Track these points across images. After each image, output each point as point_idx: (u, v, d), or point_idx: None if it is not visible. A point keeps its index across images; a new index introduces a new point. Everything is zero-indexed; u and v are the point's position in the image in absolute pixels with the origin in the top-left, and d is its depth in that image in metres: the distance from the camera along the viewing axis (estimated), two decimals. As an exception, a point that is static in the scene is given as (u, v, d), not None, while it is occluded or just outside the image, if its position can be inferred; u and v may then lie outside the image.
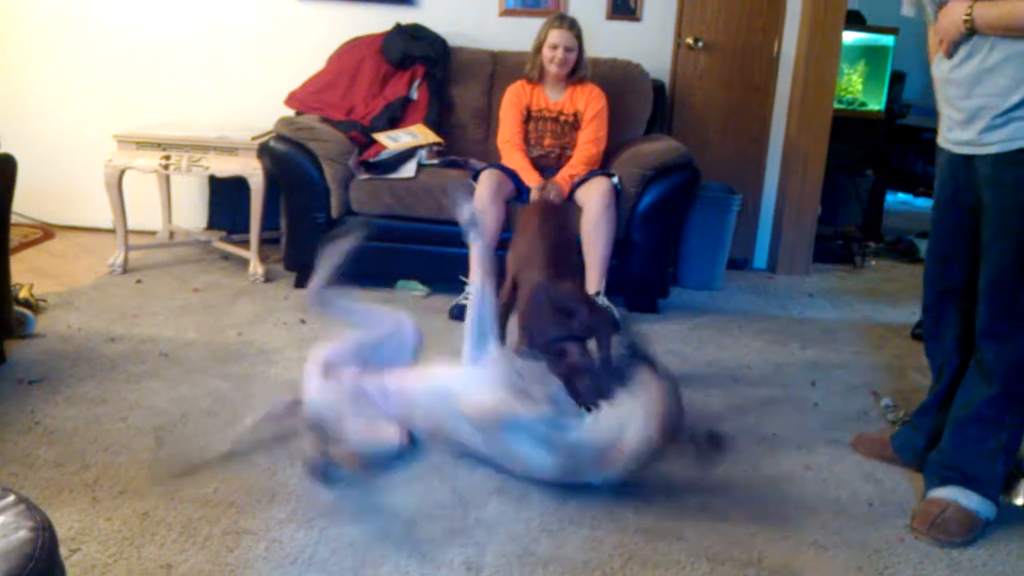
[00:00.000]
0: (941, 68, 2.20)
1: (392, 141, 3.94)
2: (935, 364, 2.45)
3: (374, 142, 3.96)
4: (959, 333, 2.33)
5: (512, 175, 3.76)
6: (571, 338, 2.39)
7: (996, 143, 2.07)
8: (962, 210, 2.24)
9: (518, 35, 4.28)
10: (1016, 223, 2.07)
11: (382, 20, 4.36)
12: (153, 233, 4.50)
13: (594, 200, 3.57)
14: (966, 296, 2.27)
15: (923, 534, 2.14)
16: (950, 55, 2.14)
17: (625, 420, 2.15)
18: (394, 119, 4.11)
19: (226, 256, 4.28)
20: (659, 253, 3.77)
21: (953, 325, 2.34)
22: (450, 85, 4.31)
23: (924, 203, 6.98)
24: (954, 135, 2.20)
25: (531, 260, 2.72)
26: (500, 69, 4.29)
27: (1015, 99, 2.00)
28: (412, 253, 3.82)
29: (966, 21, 2.04)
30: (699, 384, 3.05)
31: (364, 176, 3.80)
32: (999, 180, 2.08)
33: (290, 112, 4.15)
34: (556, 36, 3.80)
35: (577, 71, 3.89)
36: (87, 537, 1.95)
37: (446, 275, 3.80)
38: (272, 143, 3.77)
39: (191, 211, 4.68)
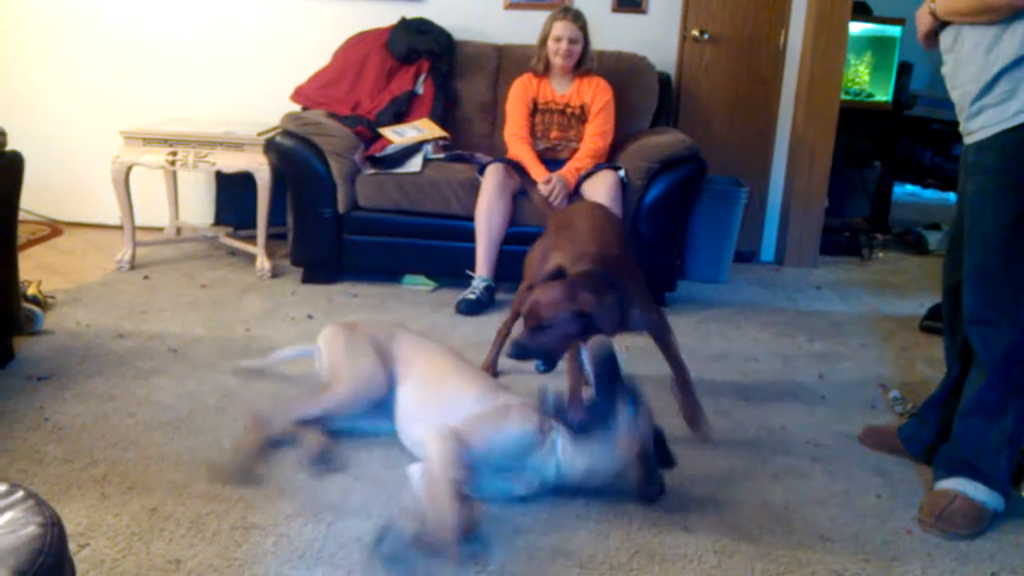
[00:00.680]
0: (948, 66, 2.23)
1: (398, 136, 3.94)
2: (948, 356, 2.45)
3: (380, 137, 3.96)
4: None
5: (519, 169, 3.76)
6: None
7: (975, 131, 2.11)
8: None
9: (523, 28, 4.28)
10: (993, 208, 2.08)
11: (387, 14, 4.36)
12: (160, 229, 4.51)
13: (600, 193, 3.57)
14: None
15: (930, 526, 2.14)
16: (925, 47, 2.25)
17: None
18: (400, 114, 4.11)
19: (233, 252, 4.28)
20: (666, 246, 3.76)
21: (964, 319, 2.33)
22: (455, 79, 4.31)
23: (932, 195, 6.96)
24: (961, 127, 2.23)
25: (608, 252, 2.48)
26: (505, 63, 4.29)
27: (981, 85, 2.04)
28: (418, 248, 3.82)
29: (931, 11, 2.14)
30: (706, 377, 3.04)
31: (370, 171, 3.80)
32: (978, 167, 2.12)
33: (296, 107, 4.16)
34: (560, 28, 3.79)
35: (583, 63, 3.88)
36: (96, 532, 1.95)
37: (453, 270, 3.80)
38: (278, 138, 3.77)
39: (198, 207, 4.69)
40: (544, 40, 3.86)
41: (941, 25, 2.16)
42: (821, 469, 2.43)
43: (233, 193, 4.57)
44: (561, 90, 3.91)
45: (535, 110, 3.92)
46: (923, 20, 2.20)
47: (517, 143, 3.85)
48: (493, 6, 4.47)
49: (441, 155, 4.02)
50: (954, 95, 2.18)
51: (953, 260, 2.35)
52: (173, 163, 3.89)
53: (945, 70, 2.19)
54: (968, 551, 2.06)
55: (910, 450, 2.48)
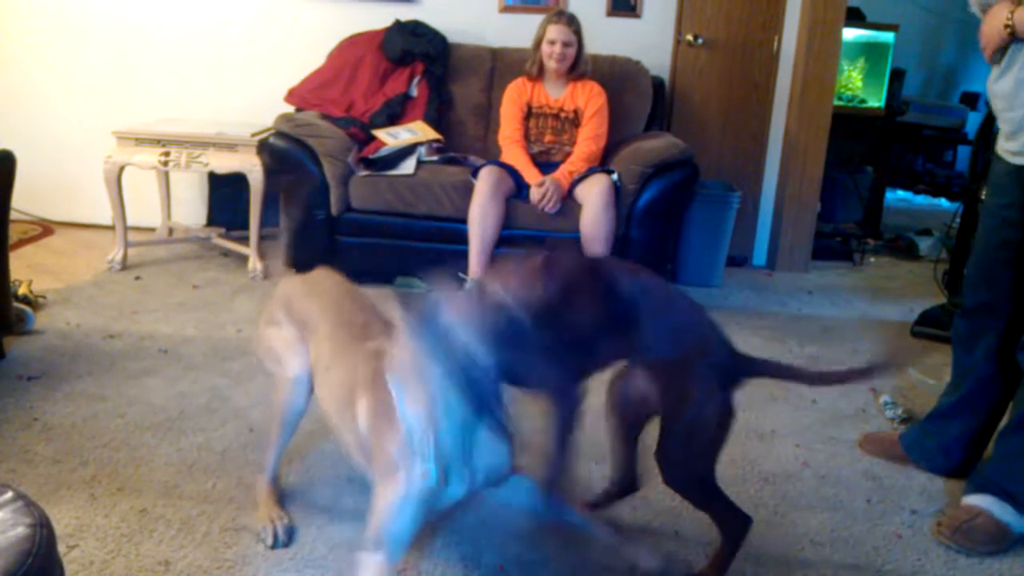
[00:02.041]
0: (989, 78, 2.18)
1: (392, 138, 3.94)
2: (959, 370, 2.42)
3: (374, 139, 3.96)
4: (994, 345, 2.30)
5: (512, 172, 3.76)
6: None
7: None
8: (1009, 225, 2.20)
9: (517, 31, 4.28)
10: None
11: (382, 17, 4.36)
12: (152, 230, 4.50)
13: (594, 197, 3.58)
14: (1006, 310, 2.25)
15: (947, 538, 2.10)
16: (992, 61, 2.13)
17: None
18: (394, 116, 4.11)
19: (225, 253, 4.28)
20: (658, 250, 3.77)
21: (988, 337, 2.30)
22: (450, 82, 4.31)
23: (923, 200, 6.99)
24: (1008, 145, 2.17)
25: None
26: (499, 65, 4.29)
27: None
28: (411, 250, 3.82)
29: (1007, 26, 2.01)
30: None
31: (364, 173, 3.80)
32: None
33: (290, 108, 4.15)
34: (554, 32, 3.80)
35: (577, 67, 3.89)
36: (85, 533, 1.95)
37: (446, 272, 3.80)
38: (272, 139, 3.77)
39: (190, 208, 4.67)
40: (538, 43, 3.87)
41: (1009, 41, 2.05)
42: (811, 473, 2.44)
43: (226, 194, 4.56)
44: (555, 94, 3.92)
45: (529, 114, 3.92)
46: (995, 35, 2.06)
47: (511, 146, 3.86)
48: (487, 9, 4.48)
49: (435, 157, 4.02)
50: (1011, 114, 2.09)
51: (982, 281, 2.30)
52: (166, 163, 3.88)
53: (998, 87, 2.11)
54: (957, 557, 2.07)
55: (911, 456, 2.47)
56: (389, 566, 1.60)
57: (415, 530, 1.64)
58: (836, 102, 4.67)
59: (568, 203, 3.69)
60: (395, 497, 1.60)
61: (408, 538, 1.64)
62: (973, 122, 5.89)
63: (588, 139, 3.84)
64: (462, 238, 3.69)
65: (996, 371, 2.31)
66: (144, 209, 4.43)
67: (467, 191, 3.69)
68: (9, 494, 1.25)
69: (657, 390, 1.76)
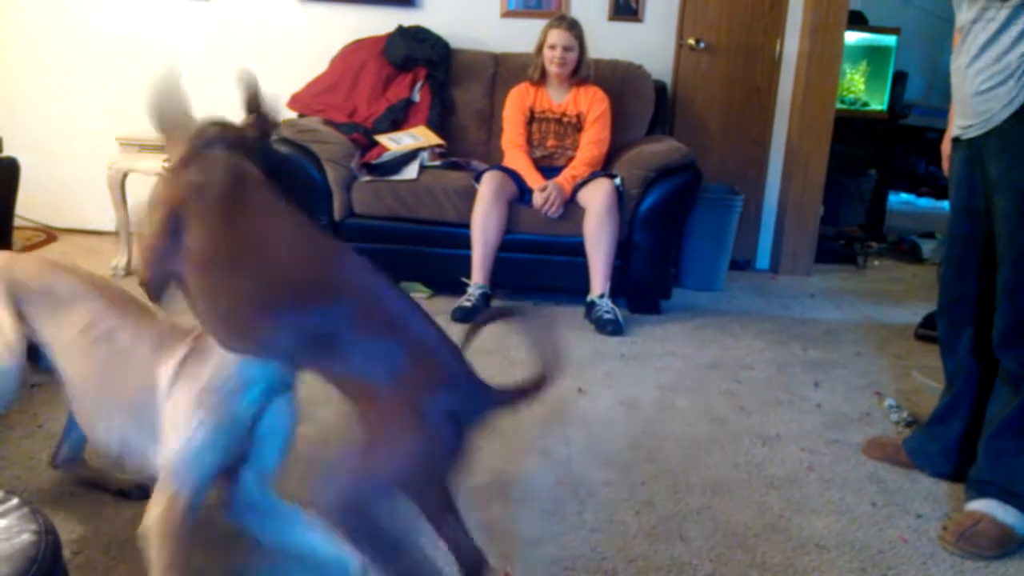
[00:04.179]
0: (959, 61, 2.16)
1: (394, 143, 3.95)
2: (948, 371, 2.41)
3: (376, 144, 3.96)
4: (973, 341, 2.29)
5: (515, 176, 3.77)
6: None
7: (1006, 103, 2.01)
8: (975, 217, 2.19)
9: (520, 37, 4.29)
10: None
11: (384, 22, 4.37)
12: (156, 236, 4.50)
13: (597, 201, 3.58)
14: (980, 304, 2.24)
15: (951, 545, 2.08)
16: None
17: None
18: (396, 121, 4.12)
19: (229, 258, 4.27)
20: (661, 254, 3.77)
21: (967, 333, 2.30)
22: (452, 87, 4.32)
23: (927, 203, 6.99)
24: (966, 121, 2.15)
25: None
26: (502, 71, 4.30)
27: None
28: (414, 255, 3.82)
29: None
30: (701, 384, 3.05)
31: (366, 178, 3.81)
32: (1010, 184, 2.01)
33: (292, 114, 4.16)
34: (555, 36, 3.81)
35: (578, 71, 3.89)
36: (90, 540, 1.95)
37: (449, 277, 3.80)
38: (274, 145, 3.78)
39: (194, 213, 4.67)
40: (540, 48, 3.88)
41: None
42: (816, 477, 2.43)
43: (229, 200, 4.56)
44: (558, 99, 3.92)
45: (532, 118, 3.93)
46: None
47: (514, 151, 3.87)
48: (490, 14, 4.49)
49: (437, 162, 4.03)
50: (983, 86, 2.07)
51: (954, 276, 2.31)
52: (169, 169, 3.88)
53: (975, 67, 2.08)
54: (963, 562, 2.06)
55: (916, 462, 2.46)
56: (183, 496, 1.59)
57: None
58: (838, 105, 4.67)
59: (571, 208, 3.70)
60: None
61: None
62: (976, 125, 5.87)
63: (591, 143, 3.84)
64: (465, 243, 3.70)
65: (978, 367, 2.29)
66: (147, 215, 4.43)
67: (470, 196, 3.70)
68: (14, 501, 1.25)
69: None
